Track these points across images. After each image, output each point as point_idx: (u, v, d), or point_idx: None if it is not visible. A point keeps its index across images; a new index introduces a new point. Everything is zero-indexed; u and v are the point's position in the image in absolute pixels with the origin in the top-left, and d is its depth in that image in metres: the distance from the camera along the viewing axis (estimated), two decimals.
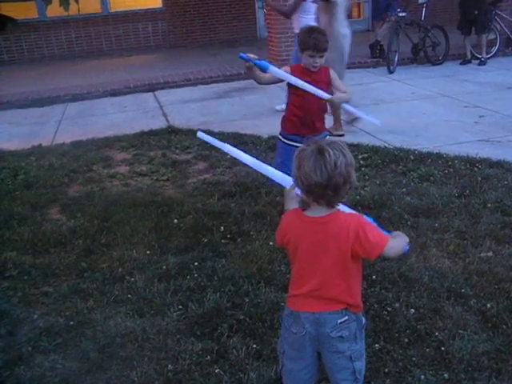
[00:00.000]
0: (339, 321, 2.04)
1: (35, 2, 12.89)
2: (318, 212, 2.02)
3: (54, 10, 13.88)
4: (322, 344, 2.08)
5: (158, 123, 7.23)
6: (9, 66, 13.07)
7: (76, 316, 3.15)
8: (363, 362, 2.17)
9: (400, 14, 9.97)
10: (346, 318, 2.04)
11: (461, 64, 10.41)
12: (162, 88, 9.71)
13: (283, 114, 4.04)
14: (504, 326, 2.84)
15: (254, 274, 3.41)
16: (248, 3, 14.72)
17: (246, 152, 2.96)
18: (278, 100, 8.16)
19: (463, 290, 3.16)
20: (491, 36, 10.56)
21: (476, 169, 4.95)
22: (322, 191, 1.94)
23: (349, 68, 9.46)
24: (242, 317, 3.01)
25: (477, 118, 6.65)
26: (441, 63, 10.52)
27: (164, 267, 3.56)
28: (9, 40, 13.03)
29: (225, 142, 2.91)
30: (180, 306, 3.16)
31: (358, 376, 2.13)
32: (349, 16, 13.75)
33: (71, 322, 3.10)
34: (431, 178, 4.80)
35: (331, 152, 1.92)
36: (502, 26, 10.84)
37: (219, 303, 3.14)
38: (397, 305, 3.06)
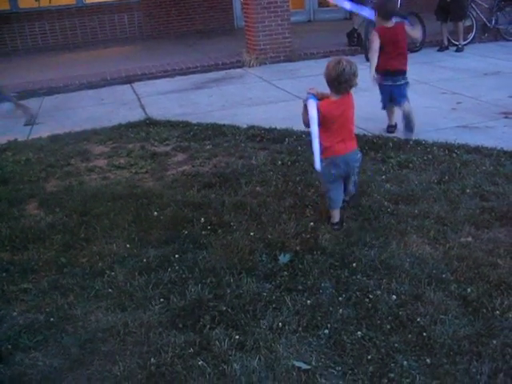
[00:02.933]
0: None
1: None
2: (338, 96, 3.73)
3: (26, 2, 13.76)
4: None
5: (136, 115, 7.16)
6: None
7: (56, 312, 3.11)
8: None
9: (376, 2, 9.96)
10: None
11: (438, 51, 10.48)
12: (140, 80, 9.62)
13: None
14: (484, 310, 2.87)
15: (235, 265, 3.39)
16: None
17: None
18: (256, 90, 8.17)
19: (444, 276, 3.18)
20: (467, 23, 10.62)
21: (454, 155, 4.98)
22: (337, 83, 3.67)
23: (326, 56, 9.52)
24: (224, 308, 3.00)
25: (454, 104, 6.70)
26: (418, 50, 10.55)
27: (144, 260, 3.53)
28: None
29: None
30: (161, 299, 3.13)
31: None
32: (327, 5, 13.76)
33: (51, 319, 3.05)
34: (410, 164, 4.82)
35: (344, 62, 3.66)
36: (478, 12, 10.90)
37: (201, 295, 3.12)
38: (378, 292, 3.06)
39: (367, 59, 9.64)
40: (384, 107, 5.80)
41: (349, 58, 3.85)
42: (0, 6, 12.76)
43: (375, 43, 5.41)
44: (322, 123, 3.64)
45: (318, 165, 3.58)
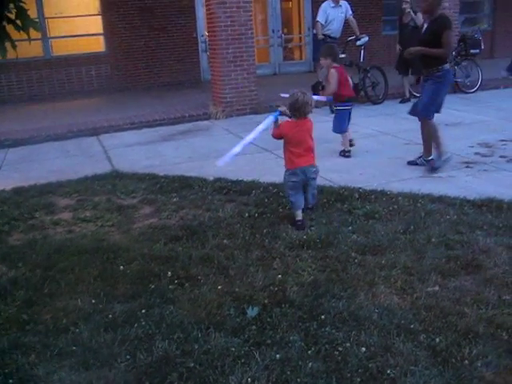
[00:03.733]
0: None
1: None
2: (296, 119, 4.77)
3: None
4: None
5: (103, 168, 7.13)
6: None
7: (16, 373, 2.98)
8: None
9: (340, 56, 10.26)
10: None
11: (400, 102, 10.79)
12: (107, 132, 9.62)
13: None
14: (453, 360, 2.87)
15: (203, 320, 3.34)
16: (191, 46, 14.90)
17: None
18: (223, 143, 8.24)
19: (412, 326, 3.18)
20: None
21: (419, 204, 5.06)
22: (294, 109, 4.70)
23: None
24: (192, 364, 2.93)
25: (418, 154, 6.85)
26: (381, 102, 10.88)
27: (110, 316, 3.44)
28: None
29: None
30: (128, 356, 3.05)
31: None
32: (292, 58, 14.06)
33: (10, 380, 2.92)
34: (376, 215, 4.87)
35: (299, 93, 4.67)
36: None
37: (168, 351, 3.05)
38: (348, 344, 3.04)
39: (332, 111, 9.90)
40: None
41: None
42: None
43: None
44: (285, 140, 4.86)
45: (221, 161, 5.12)
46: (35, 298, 3.76)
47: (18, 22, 2.46)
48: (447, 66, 6.10)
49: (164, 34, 14.58)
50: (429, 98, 6.17)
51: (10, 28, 2.59)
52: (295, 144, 4.78)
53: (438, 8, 6.02)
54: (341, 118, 7.23)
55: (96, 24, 14.15)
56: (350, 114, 7.28)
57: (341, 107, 7.23)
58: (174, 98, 11.60)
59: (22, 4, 2.41)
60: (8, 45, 2.60)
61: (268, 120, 4.96)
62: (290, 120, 4.87)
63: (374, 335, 3.12)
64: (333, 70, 7.05)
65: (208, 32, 11.33)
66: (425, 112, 6.26)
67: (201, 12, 14.60)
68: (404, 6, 10.69)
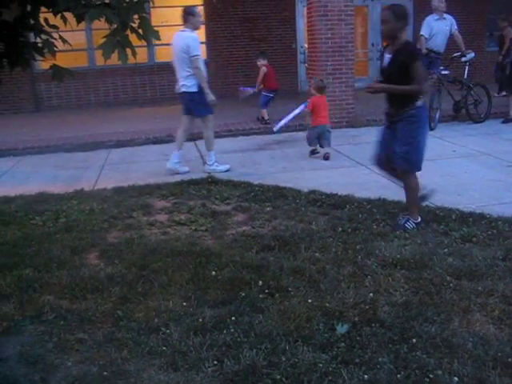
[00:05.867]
0: None
1: (86, 52, 13.39)
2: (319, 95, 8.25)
3: (103, 60, 14.40)
4: None
5: (199, 173, 7.31)
6: (57, 111, 13.55)
7: (110, 366, 3.10)
8: None
9: (443, 72, 10.01)
10: None
11: (503, 122, 10.34)
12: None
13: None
14: None
15: (291, 332, 3.33)
16: (290, 57, 15.01)
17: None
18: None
19: (510, 360, 3.02)
20: None
21: None
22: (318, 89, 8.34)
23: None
24: (278, 376, 2.92)
25: None
26: (483, 121, 10.47)
27: (200, 320, 3.50)
28: (59, 87, 13.50)
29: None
30: (215, 362, 3.09)
31: None
32: None
33: (105, 372, 3.05)
34: (474, 238, 4.68)
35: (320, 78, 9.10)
36: None
37: (255, 361, 3.06)
38: (439, 372, 2.93)
39: (431, 128, 9.65)
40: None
41: None
42: (79, 63, 13.44)
43: None
44: (312, 108, 8.09)
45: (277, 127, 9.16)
46: (129, 296, 3.89)
47: (140, 31, 2.59)
48: (420, 102, 4.89)
49: (264, 44, 14.78)
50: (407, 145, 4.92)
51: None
52: (319, 110, 8.03)
53: (401, 33, 4.85)
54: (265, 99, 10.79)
55: (199, 33, 14.50)
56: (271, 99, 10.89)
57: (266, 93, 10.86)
58: (271, 108, 11.66)
59: (145, 15, 2.54)
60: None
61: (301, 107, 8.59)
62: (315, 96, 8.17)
63: (468, 365, 2.99)
64: (264, 67, 10.76)
65: (308, 44, 11.37)
66: (405, 163, 5.00)
67: (301, 23, 14.70)
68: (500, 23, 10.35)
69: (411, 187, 5.06)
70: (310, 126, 8.08)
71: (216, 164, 7.61)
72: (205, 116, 7.47)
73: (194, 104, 7.35)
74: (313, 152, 8.25)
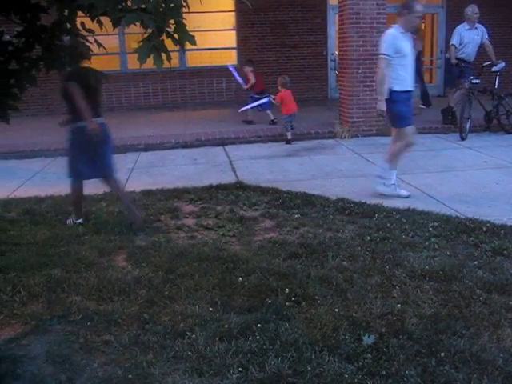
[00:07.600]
0: None
1: (119, 56, 13.56)
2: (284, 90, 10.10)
3: (135, 64, 14.60)
4: None
5: (227, 178, 7.33)
6: None
7: (135, 369, 3.11)
8: None
9: (473, 81, 9.88)
10: None
11: None
12: (233, 143, 9.90)
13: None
14: None
15: (317, 341, 3.30)
16: (320, 64, 14.99)
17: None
18: (347, 163, 8.18)
19: None
20: None
21: None
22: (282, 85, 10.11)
23: (420, 133, 9.42)
24: None
25: None
26: None
27: (226, 326, 3.50)
28: None
29: None
30: (240, 368, 3.07)
31: None
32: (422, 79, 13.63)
33: (129, 375, 3.06)
34: (505, 252, 4.59)
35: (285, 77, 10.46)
36: None
37: (280, 369, 3.04)
38: None
39: (462, 138, 9.53)
40: None
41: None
42: (110, 66, 13.61)
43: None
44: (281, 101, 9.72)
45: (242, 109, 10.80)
46: (156, 299, 3.91)
47: (176, 35, 2.60)
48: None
49: (295, 51, 14.80)
50: None
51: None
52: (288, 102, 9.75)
53: None
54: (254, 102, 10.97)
55: (230, 38, 14.65)
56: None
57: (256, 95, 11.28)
58: (301, 115, 11.66)
59: (181, 20, 2.55)
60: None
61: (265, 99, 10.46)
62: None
63: (498, 382, 2.92)
64: (251, 73, 11.59)
65: (339, 51, 11.32)
66: None
67: (332, 30, 14.65)
68: None
69: None
70: (284, 115, 9.89)
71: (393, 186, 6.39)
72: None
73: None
74: (273, 122, 11.05)
